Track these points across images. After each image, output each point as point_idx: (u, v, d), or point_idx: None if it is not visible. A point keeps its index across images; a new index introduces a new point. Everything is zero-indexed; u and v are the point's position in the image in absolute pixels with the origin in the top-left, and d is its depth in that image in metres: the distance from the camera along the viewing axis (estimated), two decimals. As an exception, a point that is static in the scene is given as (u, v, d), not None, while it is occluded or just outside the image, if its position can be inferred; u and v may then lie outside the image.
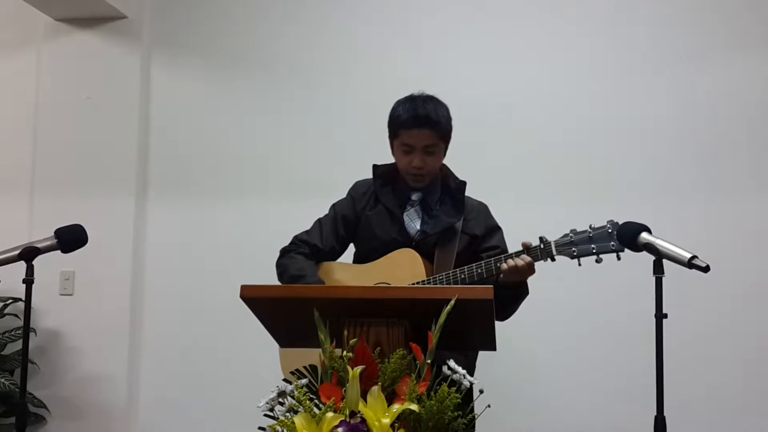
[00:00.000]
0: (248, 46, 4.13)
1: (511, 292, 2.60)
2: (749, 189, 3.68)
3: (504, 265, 2.52)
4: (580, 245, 2.47)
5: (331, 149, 3.98)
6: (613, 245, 2.42)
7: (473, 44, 3.92)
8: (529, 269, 2.53)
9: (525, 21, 3.91)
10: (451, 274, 2.62)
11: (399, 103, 2.80)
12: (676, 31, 3.80)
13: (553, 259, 2.53)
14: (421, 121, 2.72)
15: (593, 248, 2.46)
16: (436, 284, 2.62)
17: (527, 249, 2.54)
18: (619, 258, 2.43)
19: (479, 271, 2.58)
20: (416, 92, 2.81)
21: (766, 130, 3.69)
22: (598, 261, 2.46)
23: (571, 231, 2.52)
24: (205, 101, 4.14)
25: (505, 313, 2.68)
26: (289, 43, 4.08)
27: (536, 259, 2.53)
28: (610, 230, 2.44)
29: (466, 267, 2.61)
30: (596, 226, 2.48)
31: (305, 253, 2.85)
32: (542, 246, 2.52)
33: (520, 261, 2.51)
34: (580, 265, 2.49)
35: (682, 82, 3.76)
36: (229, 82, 4.13)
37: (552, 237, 2.54)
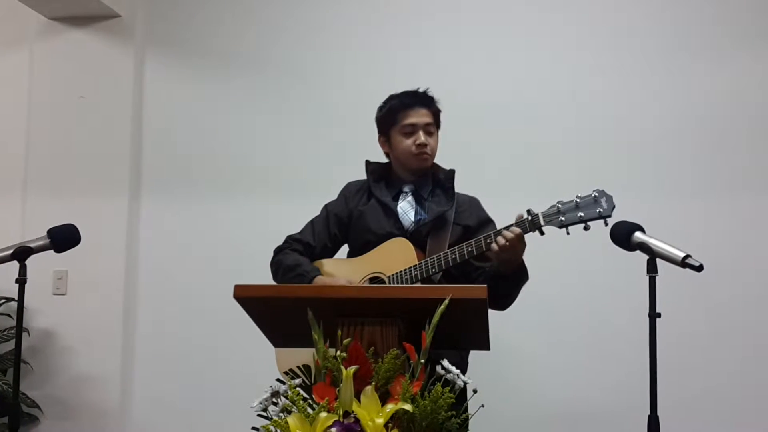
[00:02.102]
0: (242, 45, 4.11)
1: (511, 275, 2.60)
2: (748, 189, 3.68)
3: (494, 245, 2.52)
4: (568, 213, 2.48)
5: (329, 149, 3.97)
6: (599, 211, 2.43)
7: (472, 44, 3.92)
8: (519, 242, 2.52)
9: (524, 21, 3.91)
10: (442, 255, 2.62)
11: (388, 98, 2.91)
12: (675, 31, 3.80)
13: (542, 232, 2.52)
14: (420, 99, 2.84)
15: (581, 215, 2.46)
16: (428, 266, 2.62)
17: (515, 222, 2.54)
18: (606, 224, 2.41)
19: (469, 249, 2.58)
20: None
21: (765, 129, 3.70)
22: (586, 228, 2.46)
23: (558, 202, 2.51)
24: (198, 100, 4.13)
25: (507, 300, 2.69)
26: (285, 42, 4.07)
27: (525, 231, 2.52)
28: (596, 196, 2.45)
29: (456, 247, 2.61)
30: (582, 195, 2.49)
31: (299, 250, 2.87)
32: (530, 218, 2.52)
33: (509, 233, 2.50)
34: (568, 234, 2.48)
35: (682, 81, 3.76)
36: (223, 82, 4.12)
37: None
